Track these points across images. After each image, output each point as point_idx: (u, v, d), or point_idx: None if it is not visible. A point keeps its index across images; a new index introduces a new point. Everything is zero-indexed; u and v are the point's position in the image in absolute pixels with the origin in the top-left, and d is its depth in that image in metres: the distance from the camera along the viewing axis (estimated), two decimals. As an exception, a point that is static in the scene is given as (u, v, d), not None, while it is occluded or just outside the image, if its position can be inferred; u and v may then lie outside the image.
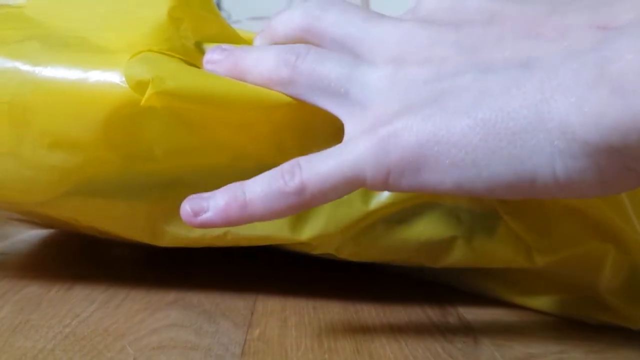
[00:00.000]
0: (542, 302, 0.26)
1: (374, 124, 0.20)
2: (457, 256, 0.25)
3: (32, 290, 0.26)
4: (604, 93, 0.15)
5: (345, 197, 0.24)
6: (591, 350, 0.22)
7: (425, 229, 0.25)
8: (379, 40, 0.21)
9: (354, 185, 0.20)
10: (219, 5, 0.87)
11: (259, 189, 0.20)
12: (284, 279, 0.29)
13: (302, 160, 0.20)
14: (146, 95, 0.22)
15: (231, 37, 0.27)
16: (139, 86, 0.22)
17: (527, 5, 0.19)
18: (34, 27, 0.25)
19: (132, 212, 0.25)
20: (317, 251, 0.26)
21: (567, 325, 0.25)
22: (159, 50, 0.24)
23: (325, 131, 0.24)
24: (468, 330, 0.24)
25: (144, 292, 0.27)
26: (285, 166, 0.20)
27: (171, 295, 0.26)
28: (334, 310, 0.25)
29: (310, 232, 0.25)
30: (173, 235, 0.26)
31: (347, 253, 0.26)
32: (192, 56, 0.24)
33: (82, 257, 0.34)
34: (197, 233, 0.25)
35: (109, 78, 0.23)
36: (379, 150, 0.19)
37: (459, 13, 0.21)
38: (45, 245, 0.36)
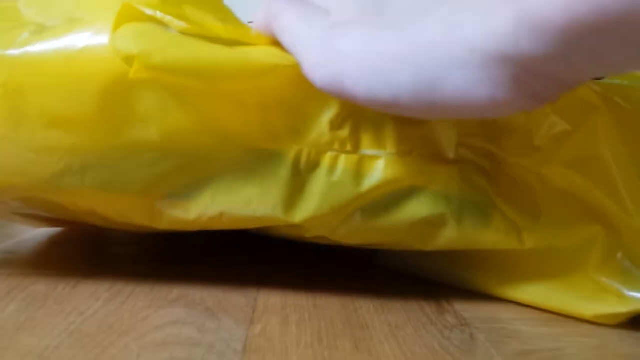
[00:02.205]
0: (534, 294, 0.26)
1: (327, 28, 0.22)
2: (448, 238, 0.26)
3: (38, 288, 0.27)
4: (503, 7, 0.16)
5: (338, 178, 0.24)
6: (586, 346, 0.23)
7: (416, 209, 0.25)
8: None
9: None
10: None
11: None
12: (285, 277, 0.30)
13: None
14: (133, 70, 0.22)
15: (214, 4, 0.27)
16: (128, 59, 0.22)
17: None
18: (24, 20, 0.26)
19: (130, 194, 0.25)
20: (310, 234, 0.26)
21: (562, 322, 0.25)
22: (141, 13, 0.23)
23: (317, 114, 0.24)
24: (464, 327, 0.24)
25: (148, 290, 0.27)
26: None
27: (174, 293, 0.27)
28: (334, 308, 0.26)
29: (304, 213, 0.25)
30: (170, 217, 0.26)
31: (340, 235, 0.26)
32: (179, 10, 0.24)
33: (87, 255, 0.34)
34: (194, 214, 0.25)
35: (98, 52, 0.23)
36: (322, 49, 0.21)
37: None
38: (51, 244, 0.36)
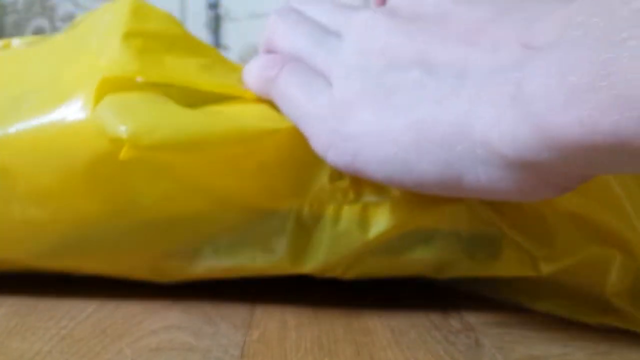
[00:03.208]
0: (547, 305, 0.26)
1: (332, 105, 0.21)
2: (461, 270, 0.25)
3: (29, 292, 0.26)
4: (517, 112, 0.16)
5: (343, 228, 0.24)
6: (594, 352, 0.22)
7: (427, 250, 0.25)
8: (346, 24, 0.22)
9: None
10: (217, 3, 0.87)
11: None
12: (283, 281, 0.29)
13: None
14: (123, 153, 0.22)
15: (197, 47, 0.27)
16: (114, 140, 0.22)
17: (476, 7, 0.20)
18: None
19: (128, 257, 0.25)
20: (322, 277, 0.26)
21: (570, 327, 0.25)
22: (122, 81, 0.23)
23: (316, 170, 0.24)
24: (470, 332, 0.23)
25: (143, 294, 0.26)
26: None
27: (170, 297, 0.26)
28: (334, 312, 0.25)
29: (312, 264, 0.25)
30: (175, 272, 0.26)
31: (353, 275, 0.26)
32: (160, 69, 0.24)
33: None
34: (200, 270, 0.25)
35: (81, 128, 0.22)
36: (330, 129, 0.21)
37: (418, 6, 0.21)
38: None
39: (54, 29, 0.89)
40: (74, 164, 0.23)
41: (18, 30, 0.87)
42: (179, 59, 0.26)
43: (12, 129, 0.23)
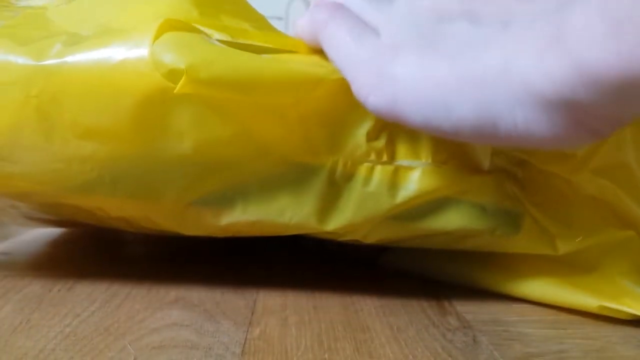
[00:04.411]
0: (541, 291, 0.26)
1: (379, 49, 0.22)
2: (479, 243, 0.26)
3: (34, 289, 0.27)
4: (558, 49, 0.16)
5: (373, 189, 0.24)
6: (590, 349, 0.22)
7: (451, 220, 0.25)
8: None
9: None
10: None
11: None
12: (284, 278, 0.30)
13: None
14: (180, 85, 0.22)
15: (248, 11, 0.27)
16: (170, 74, 0.22)
17: None
18: (55, 29, 0.25)
19: (160, 201, 0.25)
20: (343, 238, 0.26)
21: (566, 324, 0.25)
22: (182, 23, 0.23)
23: (354, 126, 0.24)
24: (467, 330, 0.24)
25: (145, 292, 0.27)
26: None
27: (172, 295, 0.26)
28: (334, 310, 0.25)
29: (337, 223, 0.25)
30: (200, 224, 0.26)
31: (373, 240, 0.26)
32: (217, 22, 0.24)
33: (83, 257, 0.34)
34: (225, 221, 0.25)
35: (135, 65, 0.22)
36: (374, 71, 0.21)
37: None
38: (46, 246, 0.36)
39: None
40: (123, 103, 0.23)
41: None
42: (233, 18, 0.26)
43: (69, 60, 0.23)
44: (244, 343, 0.22)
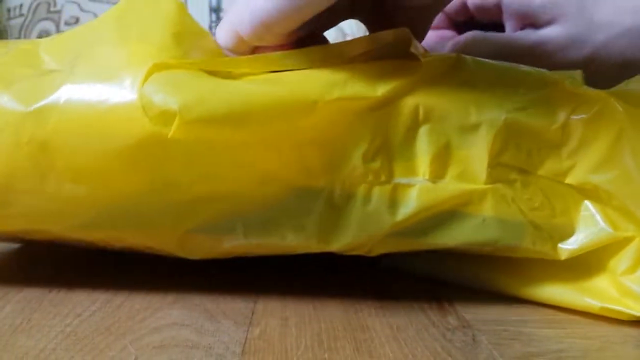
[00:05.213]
0: (543, 292, 0.27)
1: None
2: (484, 251, 0.26)
3: (34, 289, 0.27)
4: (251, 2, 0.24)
5: (372, 208, 0.25)
6: (590, 348, 0.22)
7: (453, 236, 0.25)
8: None
9: None
10: (219, 7, 0.87)
11: None
12: (284, 279, 0.30)
13: None
14: (173, 128, 0.22)
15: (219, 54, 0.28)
16: (162, 116, 0.22)
17: None
18: (45, 66, 0.26)
19: (158, 233, 0.26)
20: (347, 254, 0.26)
21: (565, 324, 0.25)
22: (170, 61, 0.24)
23: (350, 149, 0.25)
24: (467, 329, 0.24)
25: (146, 292, 0.27)
26: None
27: (172, 295, 0.26)
28: (334, 310, 0.25)
29: (339, 243, 0.25)
30: (203, 249, 0.26)
31: (376, 253, 0.26)
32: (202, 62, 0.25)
33: (84, 256, 0.34)
34: (228, 245, 0.26)
35: (126, 109, 0.23)
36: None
37: None
38: (48, 246, 0.36)
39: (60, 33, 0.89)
40: (115, 145, 0.23)
41: (23, 34, 0.87)
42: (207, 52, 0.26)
43: (59, 104, 0.23)
44: (244, 342, 0.22)
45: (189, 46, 0.26)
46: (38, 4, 0.88)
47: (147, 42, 0.25)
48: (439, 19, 0.42)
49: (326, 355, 0.21)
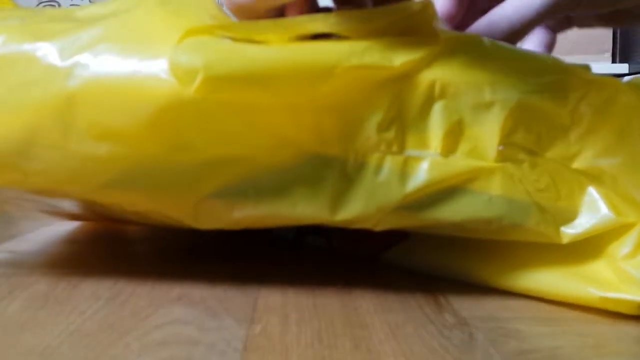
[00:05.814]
0: (541, 281, 0.27)
1: None
2: (488, 231, 0.26)
3: (40, 287, 0.27)
4: None
5: (383, 179, 0.25)
6: (585, 345, 0.23)
7: (459, 211, 0.26)
8: None
9: None
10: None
11: None
12: (285, 277, 0.30)
13: None
14: (196, 83, 0.23)
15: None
16: (187, 75, 0.23)
17: None
18: (80, 23, 0.26)
19: (174, 196, 0.26)
20: (353, 227, 0.27)
21: (561, 321, 0.25)
22: (201, 26, 0.24)
23: (365, 117, 0.25)
24: (464, 327, 0.24)
25: (149, 290, 0.27)
26: None
27: (175, 292, 0.27)
28: (334, 307, 0.26)
29: (349, 213, 0.25)
30: (214, 217, 0.26)
31: (382, 227, 0.26)
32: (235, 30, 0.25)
33: (88, 255, 0.34)
34: (237, 215, 0.26)
35: (156, 71, 0.23)
36: None
37: None
38: (52, 244, 0.36)
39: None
40: (140, 108, 0.24)
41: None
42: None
43: (91, 64, 0.24)
44: (246, 339, 0.22)
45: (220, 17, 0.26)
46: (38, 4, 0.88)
47: (183, 16, 0.26)
48: None
49: (326, 352, 0.21)
